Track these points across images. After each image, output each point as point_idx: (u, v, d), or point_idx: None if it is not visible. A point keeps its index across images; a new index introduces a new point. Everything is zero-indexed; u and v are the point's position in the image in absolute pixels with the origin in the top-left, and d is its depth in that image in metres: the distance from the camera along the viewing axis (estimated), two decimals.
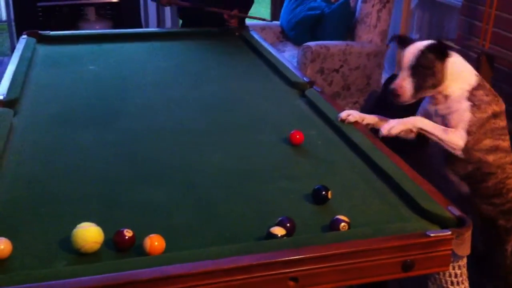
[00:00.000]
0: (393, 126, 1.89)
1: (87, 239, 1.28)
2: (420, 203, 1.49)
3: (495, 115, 1.96)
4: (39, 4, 4.69)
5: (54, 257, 1.29)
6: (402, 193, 1.57)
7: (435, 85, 1.95)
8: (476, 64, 3.25)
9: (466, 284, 1.40)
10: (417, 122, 1.94)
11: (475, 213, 2.10)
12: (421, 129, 1.93)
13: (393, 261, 1.31)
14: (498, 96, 2.01)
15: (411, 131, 1.99)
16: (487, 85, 2.01)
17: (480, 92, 1.96)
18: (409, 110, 2.10)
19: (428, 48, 1.94)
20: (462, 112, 1.93)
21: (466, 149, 1.93)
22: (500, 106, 1.99)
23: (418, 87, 1.94)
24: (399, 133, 1.92)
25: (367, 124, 2.05)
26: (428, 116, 2.03)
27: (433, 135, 1.93)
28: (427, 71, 1.93)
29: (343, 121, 2.02)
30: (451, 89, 1.96)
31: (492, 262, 2.18)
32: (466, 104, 1.94)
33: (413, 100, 1.99)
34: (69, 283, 1.18)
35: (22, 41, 2.83)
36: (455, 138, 1.92)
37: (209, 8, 3.31)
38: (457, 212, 1.43)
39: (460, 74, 1.96)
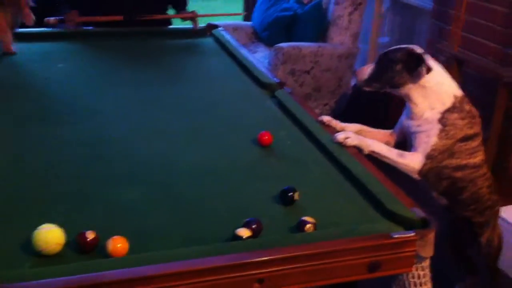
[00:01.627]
0: (350, 138, 1.87)
1: (49, 241, 1.26)
2: (386, 204, 1.50)
3: (466, 138, 1.95)
4: None
5: (18, 259, 1.26)
6: (369, 194, 1.58)
7: (389, 84, 1.98)
8: (445, 67, 3.29)
9: (430, 285, 1.42)
10: (372, 145, 1.92)
11: (453, 217, 2.15)
12: (374, 152, 1.92)
13: (359, 262, 1.32)
14: (476, 117, 1.99)
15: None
16: (467, 106, 1.97)
17: (454, 116, 1.93)
18: (378, 113, 2.14)
19: (403, 50, 1.97)
20: (429, 134, 1.93)
21: (426, 170, 1.94)
22: (474, 128, 1.97)
23: (374, 77, 2.00)
24: (352, 146, 1.87)
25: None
26: (403, 130, 2.06)
27: (387, 158, 1.92)
28: (385, 65, 1.97)
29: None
30: (422, 107, 1.96)
31: (468, 253, 2.28)
32: (436, 127, 1.92)
33: (369, 88, 2.03)
34: (34, 285, 1.16)
35: None
36: (411, 162, 1.92)
37: (157, 16, 3.18)
38: (421, 213, 1.45)
39: (434, 95, 1.94)
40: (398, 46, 2.02)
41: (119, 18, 3.12)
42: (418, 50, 1.98)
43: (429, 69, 1.94)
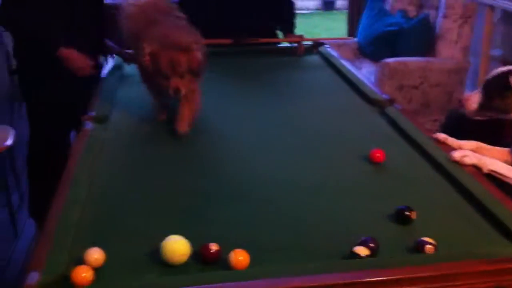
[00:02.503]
0: (467, 156, 1.82)
1: (176, 251, 1.32)
2: (510, 227, 1.44)
3: None
4: None
5: (144, 268, 1.34)
6: (490, 215, 1.52)
7: (501, 110, 1.94)
8: None
9: None
10: (492, 164, 1.85)
11: None
12: (494, 171, 1.84)
13: (483, 286, 1.27)
14: None
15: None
16: None
17: None
18: (489, 134, 2.07)
19: (506, 73, 1.91)
20: None
21: None
22: None
23: (483, 105, 1.96)
24: (470, 165, 1.81)
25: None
26: None
27: (509, 178, 1.84)
28: (494, 92, 1.93)
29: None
30: None
31: None
32: None
33: (478, 116, 1.99)
34: None
35: (111, 60, 2.97)
36: None
37: (265, 40, 3.22)
38: None
39: None
40: (499, 70, 1.96)
41: (228, 41, 3.21)
42: None
43: None
